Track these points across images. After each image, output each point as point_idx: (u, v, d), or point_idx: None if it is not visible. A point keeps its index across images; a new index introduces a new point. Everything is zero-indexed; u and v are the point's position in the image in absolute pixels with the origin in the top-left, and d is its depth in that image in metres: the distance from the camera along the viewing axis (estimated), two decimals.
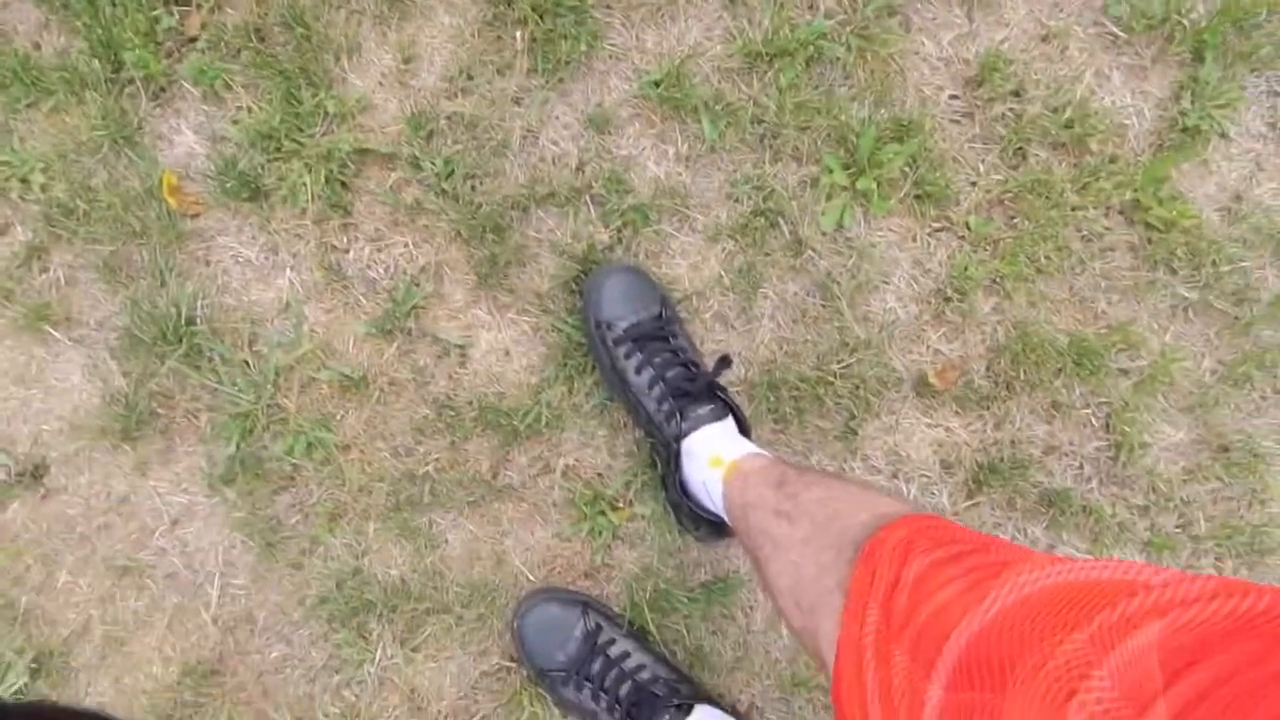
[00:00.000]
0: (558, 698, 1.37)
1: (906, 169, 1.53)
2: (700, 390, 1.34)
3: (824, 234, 1.53)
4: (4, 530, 1.45)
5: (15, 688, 1.40)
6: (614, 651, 1.35)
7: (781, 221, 1.52)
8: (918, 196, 1.53)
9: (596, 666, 1.33)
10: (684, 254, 1.52)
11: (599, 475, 1.48)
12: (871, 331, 1.51)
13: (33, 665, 1.41)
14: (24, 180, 1.48)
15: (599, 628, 1.35)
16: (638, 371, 1.37)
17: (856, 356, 1.50)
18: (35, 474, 1.46)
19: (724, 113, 1.53)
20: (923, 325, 1.53)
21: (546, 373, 1.48)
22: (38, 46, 1.53)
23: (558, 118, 1.54)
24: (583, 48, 1.54)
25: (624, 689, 1.31)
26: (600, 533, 1.47)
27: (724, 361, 1.39)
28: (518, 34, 1.54)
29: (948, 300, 1.52)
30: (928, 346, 1.53)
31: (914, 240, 1.54)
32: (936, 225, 1.54)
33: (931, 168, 1.53)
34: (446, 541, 1.47)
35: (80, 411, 1.47)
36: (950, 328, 1.53)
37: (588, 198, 1.52)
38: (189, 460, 1.46)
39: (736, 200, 1.53)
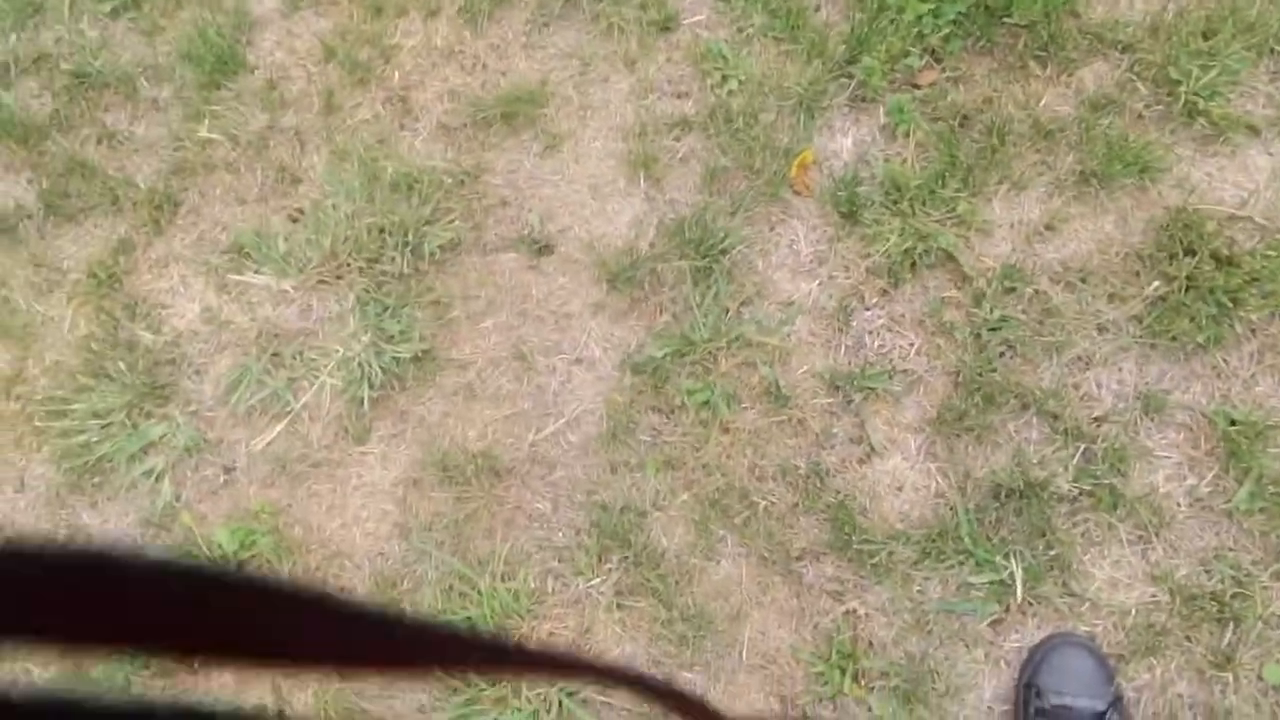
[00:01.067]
0: (1022, 715, 1.33)
1: None
2: None
3: (1260, 679, 1.34)
4: (489, 267, 1.73)
5: (401, 356, 1.68)
6: None
7: (1230, 628, 1.36)
8: None
9: None
10: (1114, 565, 1.42)
11: (871, 645, 1.44)
12: None
13: (419, 352, 1.68)
14: (724, 77, 1.76)
15: (1116, 717, 1.28)
16: None
17: None
18: (540, 249, 1.73)
19: (1273, 498, 1.40)
20: None
21: (914, 534, 1.46)
22: (818, 9, 1.79)
23: (1119, 368, 1.51)
24: (1199, 338, 1.49)
25: None
26: (827, 684, 1.43)
27: None
28: (1154, 284, 1.53)
29: None
30: None
31: None
32: None
33: None
34: (718, 563, 1.51)
35: (602, 241, 1.71)
36: None
37: (1082, 446, 1.47)
38: (624, 333, 1.65)
39: (1207, 571, 1.39)
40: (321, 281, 1.77)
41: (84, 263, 1.84)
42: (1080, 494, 1.45)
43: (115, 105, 1.96)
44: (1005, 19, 1.70)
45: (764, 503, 1.53)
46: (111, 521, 1.68)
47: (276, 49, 1.97)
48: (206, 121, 1.91)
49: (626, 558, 1.53)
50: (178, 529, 1.66)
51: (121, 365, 1.74)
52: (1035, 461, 1.47)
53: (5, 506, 1.72)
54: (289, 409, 1.70)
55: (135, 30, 2.01)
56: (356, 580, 1.60)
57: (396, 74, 1.90)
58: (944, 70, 1.72)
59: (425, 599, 1.55)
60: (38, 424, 1.74)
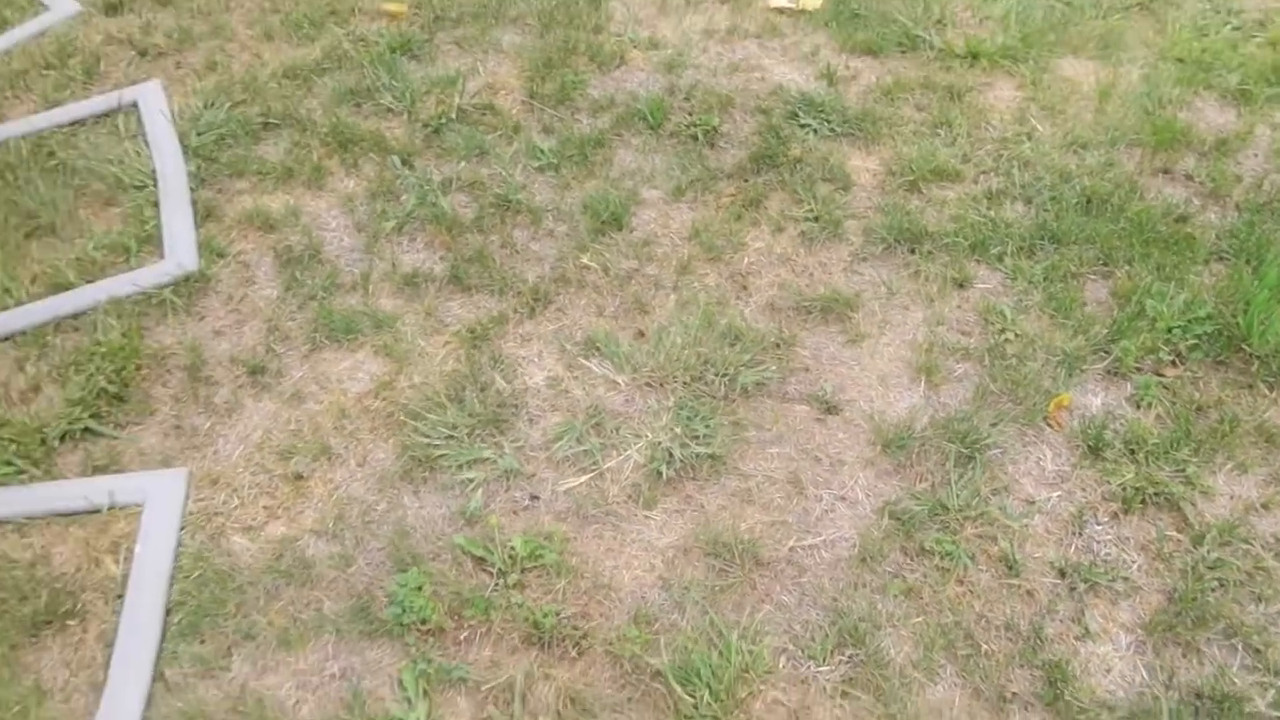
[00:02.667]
0: None
1: None
2: None
3: None
4: (784, 411, 2.16)
5: (700, 453, 2.07)
6: None
7: None
8: None
9: None
10: None
11: None
12: None
13: (714, 454, 2.08)
14: (1003, 329, 2.24)
15: None
16: None
17: None
18: (828, 408, 2.16)
19: None
20: None
21: (1120, 709, 1.69)
22: (1085, 304, 2.29)
23: None
24: None
25: None
26: None
27: None
28: None
29: None
30: None
31: None
32: None
33: None
34: (936, 685, 1.76)
35: (881, 415, 2.13)
36: None
37: None
38: (886, 487, 2.02)
39: None
40: (648, 384, 2.23)
41: (465, 321, 2.38)
42: None
43: (522, 225, 2.59)
44: (1243, 345, 2.15)
45: (986, 646, 1.79)
46: (427, 509, 2.06)
47: (653, 221, 2.60)
48: (589, 253, 2.50)
49: (858, 654, 1.79)
50: (481, 528, 2.02)
51: (475, 398, 2.21)
52: (1236, 682, 1.70)
53: (345, 474, 2.13)
54: (596, 466, 2.10)
55: (552, 184, 2.70)
56: (617, 611, 1.90)
57: (745, 260, 2.47)
58: (1186, 369, 2.15)
59: (677, 640, 1.83)
60: (398, 419, 2.19)
